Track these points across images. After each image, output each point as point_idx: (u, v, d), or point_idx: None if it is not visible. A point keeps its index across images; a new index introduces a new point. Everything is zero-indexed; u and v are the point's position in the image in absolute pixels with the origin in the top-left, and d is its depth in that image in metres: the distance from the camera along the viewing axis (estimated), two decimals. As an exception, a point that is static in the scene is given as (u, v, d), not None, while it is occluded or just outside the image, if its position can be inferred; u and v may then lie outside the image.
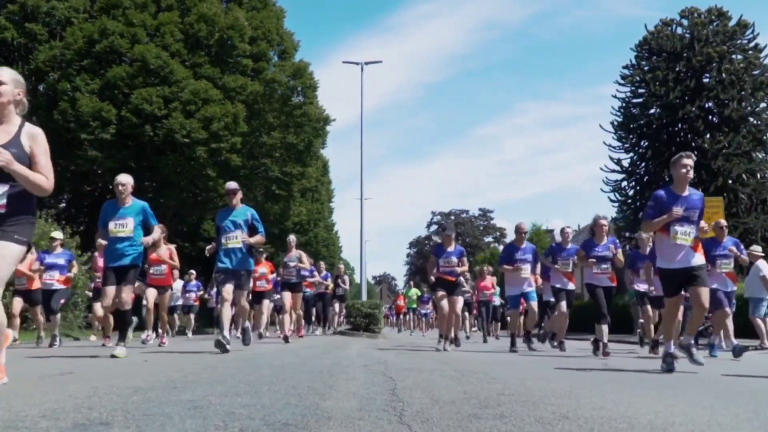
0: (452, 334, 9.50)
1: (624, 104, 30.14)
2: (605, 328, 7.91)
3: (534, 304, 9.41)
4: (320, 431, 2.16)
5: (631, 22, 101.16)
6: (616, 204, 29.30)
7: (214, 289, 15.04)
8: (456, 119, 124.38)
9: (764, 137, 27.56)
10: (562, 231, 9.82)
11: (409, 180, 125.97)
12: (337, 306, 16.57)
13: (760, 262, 10.19)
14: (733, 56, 28.32)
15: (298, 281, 11.50)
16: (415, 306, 22.89)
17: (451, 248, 8.89)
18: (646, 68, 29.67)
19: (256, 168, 24.00)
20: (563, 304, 9.20)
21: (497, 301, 16.55)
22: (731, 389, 4.21)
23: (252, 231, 7.23)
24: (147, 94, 20.07)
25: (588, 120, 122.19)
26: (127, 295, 6.35)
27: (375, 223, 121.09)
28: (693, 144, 28.33)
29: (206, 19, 21.83)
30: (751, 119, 27.82)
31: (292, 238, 11.97)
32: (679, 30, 29.50)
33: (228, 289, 7.06)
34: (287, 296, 11.31)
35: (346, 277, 17.39)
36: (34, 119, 20.64)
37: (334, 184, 45.92)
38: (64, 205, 23.63)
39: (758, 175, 27.38)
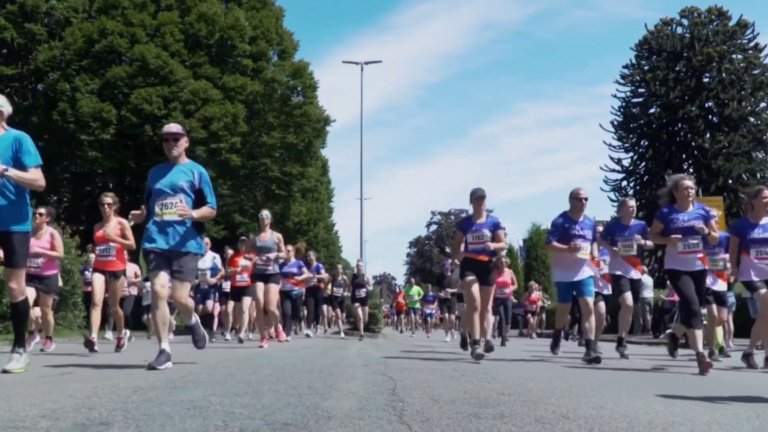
0: (487, 335, 6.91)
1: (624, 104, 30.20)
2: (698, 333, 5.51)
3: (590, 301, 6.71)
4: (320, 431, 2.16)
5: (631, 22, 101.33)
6: (617, 204, 29.32)
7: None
8: (455, 119, 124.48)
9: (764, 137, 27.61)
10: (623, 204, 7.66)
11: (409, 180, 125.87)
12: (359, 309, 14.19)
13: None
14: (733, 56, 28.39)
15: (274, 272, 8.85)
16: (417, 306, 22.14)
17: (481, 219, 6.70)
18: (646, 68, 29.72)
19: (255, 168, 23.99)
20: (627, 296, 7.33)
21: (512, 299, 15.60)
22: (731, 389, 4.20)
23: (199, 199, 5.10)
24: (147, 94, 20.06)
25: (588, 120, 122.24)
26: (18, 282, 4.40)
27: (375, 223, 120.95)
28: (693, 144, 28.38)
29: (206, 19, 21.83)
30: (751, 119, 27.89)
31: (265, 213, 9.11)
32: (679, 30, 29.55)
33: (162, 280, 4.88)
34: (259, 289, 8.76)
35: (369, 277, 14.67)
36: (33, 119, 20.70)
37: (334, 184, 45.96)
38: (66, 204, 23.63)
39: (758, 175, 27.43)
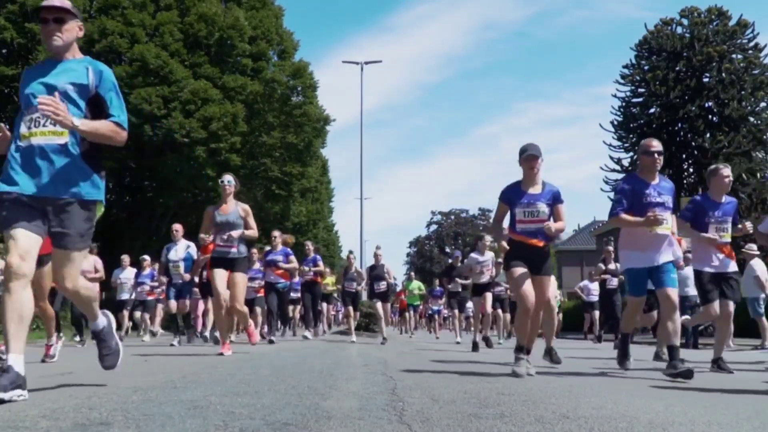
0: (550, 343, 5.21)
1: (624, 104, 30.23)
2: None
3: (674, 292, 4.72)
4: (320, 431, 2.16)
5: (631, 22, 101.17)
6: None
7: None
8: (455, 119, 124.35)
9: (764, 137, 27.66)
10: (716, 173, 5.52)
11: (409, 180, 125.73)
12: (380, 305, 11.77)
13: (754, 262, 10.25)
14: (733, 56, 28.43)
15: (238, 256, 6.70)
16: (417, 303, 20.03)
17: (535, 188, 4.91)
18: (646, 68, 29.76)
19: (255, 168, 24.02)
20: (729, 302, 5.45)
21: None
22: (731, 389, 4.20)
23: (96, 109, 3.08)
24: (146, 94, 20.08)
25: (588, 120, 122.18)
26: None
27: (375, 223, 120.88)
28: (693, 143, 28.41)
29: (206, 19, 21.85)
30: (751, 119, 27.93)
31: (227, 179, 6.96)
32: (679, 29, 29.58)
33: (24, 244, 2.82)
34: (219, 278, 6.62)
35: (388, 267, 11.95)
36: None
37: (334, 184, 46.03)
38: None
39: (758, 175, 27.46)
